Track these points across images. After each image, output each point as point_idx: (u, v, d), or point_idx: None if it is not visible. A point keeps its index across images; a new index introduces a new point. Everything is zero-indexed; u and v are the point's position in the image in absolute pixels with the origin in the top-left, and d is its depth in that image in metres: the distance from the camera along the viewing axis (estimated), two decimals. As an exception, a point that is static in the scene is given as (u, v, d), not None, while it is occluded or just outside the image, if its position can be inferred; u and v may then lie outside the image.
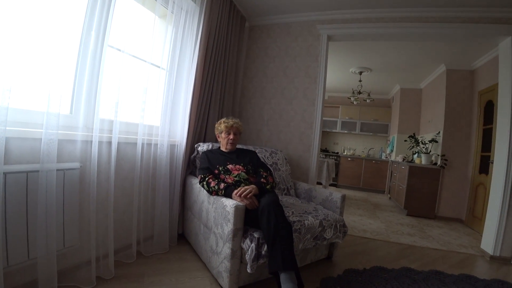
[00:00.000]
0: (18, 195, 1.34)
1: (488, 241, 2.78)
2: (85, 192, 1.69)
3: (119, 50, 1.83)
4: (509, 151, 2.63)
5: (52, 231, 1.42)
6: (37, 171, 1.38)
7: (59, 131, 1.46)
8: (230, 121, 2.27)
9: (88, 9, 1.67)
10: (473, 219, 3.99)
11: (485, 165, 3.83)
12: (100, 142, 1.73)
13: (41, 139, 1.39)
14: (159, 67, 2.27)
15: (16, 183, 1.33)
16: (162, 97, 2.29)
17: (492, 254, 2.70)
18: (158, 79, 2.25)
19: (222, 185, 1.87)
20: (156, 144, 2.21)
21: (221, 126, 2.29)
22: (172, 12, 2.31)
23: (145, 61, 2.07)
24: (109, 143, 1.81)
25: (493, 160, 2.96)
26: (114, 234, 1.86)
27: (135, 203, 2.03)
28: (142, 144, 2.06)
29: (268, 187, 2.00)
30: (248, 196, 1.77)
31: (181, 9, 2.36)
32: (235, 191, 1.81)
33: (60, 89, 1.48)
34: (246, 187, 1.83)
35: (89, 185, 1.68)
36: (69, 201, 1.58)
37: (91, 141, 1.68)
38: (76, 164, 1.63)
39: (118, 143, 1.87)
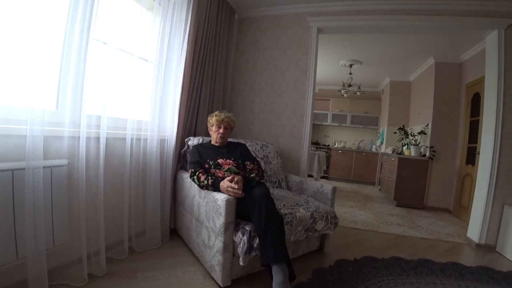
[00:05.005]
0: (4, 193, 1.31)
1: (474, 230, 2.87)
2: (74, 189, 1.66)
3: (105, 43, 1.79)
4: (494, 142, 2.70)
5: (40, 230, 1.39)
6: (23, 168, 1.35)
7: (44, 128, 1.42)
8: (222, 115, 2.25)
9: (72, 1, 1.61)
10: (460, 209, 4.10)
11: (471, 156, 3.92)
12: (88, 138, 1.70)
13: (26, 135, 1.35)
14: (147, 60, 2.23)
15: (2, 182, 1.29)
16: (151, 91, 2.26)
17: (477, 242, 2.79)
18: (146, 73, 2.21)
19: (210, 181, 1.87)
20: (145, 139, 2.18)
21: (212, 119, 2.27)
22: (160, 4, 2.26)
23: (133, 55, 2.03)
24: (97, 138, 1.78)
25: (479, 151, 3.03)
26: (105, 231, 1.84)
27: (126, 199, 2.01)
28: (131, 139, 2.03)
29: (252, 175, 2.00)
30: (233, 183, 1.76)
31: (169, 1, 2.31)
32: (222, 183, 1.80)
33: (45, 84, 1.44)
34: (230, 178, 1.81)
35: (77, 181, 1.65)
36: (57, 199, 1.55)
37: (79, 137, 1.64)
38: (63, 161, 1.59)
39: (107, 138, 1.84)
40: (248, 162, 2.15)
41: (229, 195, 1.73)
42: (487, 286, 1.95)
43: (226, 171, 2.03)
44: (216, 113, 2.30)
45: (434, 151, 4.50)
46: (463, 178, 4.11)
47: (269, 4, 3.30)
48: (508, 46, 2.68)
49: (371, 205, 4.56)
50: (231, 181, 1.78)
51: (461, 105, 4.39)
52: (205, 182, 1.88)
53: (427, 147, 4.66)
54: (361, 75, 6.03)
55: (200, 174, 1.95)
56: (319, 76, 5.58)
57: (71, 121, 1.66)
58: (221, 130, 2.23)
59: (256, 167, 2.11)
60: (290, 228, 1.83)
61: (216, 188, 1.83)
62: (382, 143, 6.65)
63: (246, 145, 2.48)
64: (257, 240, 1.62)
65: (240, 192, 1.73)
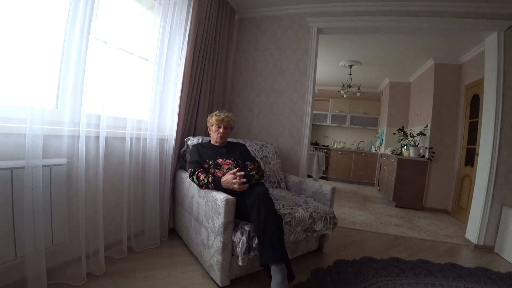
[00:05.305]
0: (3, 192, 1.30)
1: (473, 231, 2.87)
2: (73, 188, 1.66)
3: (105, 42, 1.79)
4: (493, 143, 2.71)
5: (39, 229, 1.39)
6: (23, 167, 1.34)
7: (44, 126, 1.42)
8: (222, 115, 2.26)
9: (72, 0, 1.61)
10: (458, 210, 4.10)
11: (470, 158, 3.93)
12: (87, 137, 1.70)
13: (25, 134, 1.35)
14: (147, 60, 2.23)
15: (1, 180, 1.29)
16: (151, 90, 2.26)
17: (476, 243, 2.80)
18: (146, 73, 2.21)
19: (211, 178, 1.87)
20: (145, 139, 2.18)
21: (212, 119, 2.28)
22: (160, 4, 2.26)
23: (133, 54, 2.03)
24: (97, 138, 1.78)
25: (478, 153, 3.04)
26: (104, 230, 1.83)
27: (125, 198, 2.01)
28: (131, 138, 2.03)
29: (252, 173, 2.01)
30: (237, 176, 1.80)
31: (169, 0, 2.31)
32: (224, 178, 1.83)
33: (45, 83, 1.44)
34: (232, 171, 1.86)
35: (77, 181, 1.65)
36: (56, 198, 1.55)
37: (78, 136, 1.64)
38: (63, 160, 1.59)
39: (106, 138, 1.84)
40: (249, 163, 2.15)
41: (233, 187, 1.76)
42: (485, 287, 1.95)
43: (225, 170, 2.03)
44: (216, 112, 2.30)
45: (433, 152, 4.51)
46: (462, 179, 4.11)
47: (269, 4, 3.30)
48: (508, 48, 2.69)
49: (370, 205, 4.57)
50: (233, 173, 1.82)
51: (461, 106, 4.39)
52: (205, 180, 1.88)
53: (426, 148, 4.66)
54: (361, 76, 6.03)
55: (200, 173, 1.95)
56: (318, 77, 5.59)
57: (71, 120, 1.66)
58: (221, 130, 2.23)
59: (256, 167, 2.12)
60: (289, 228, 1.83)
61: (217, 184, 1.83)
62: (381, 144, 6.65)
63: (246, 145, 2.48)
64: (256, 240, 1.63)
65: (244, 180, 1.78)
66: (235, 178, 1.79)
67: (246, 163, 2.16)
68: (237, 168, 1.87)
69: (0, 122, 1.36)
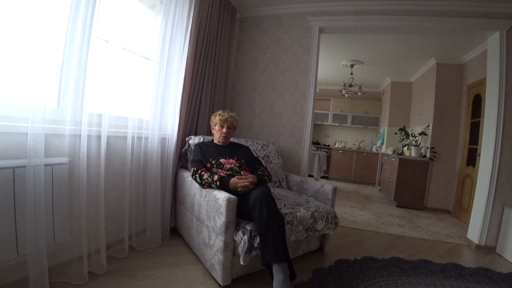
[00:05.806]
0: (5, 191, 1.30)
1: (474, 231, 2.87)
2: (75, 187, 1.66)
3: (107, 41, 1.79)
4: (495, 143, 2.70)
5: (41, 228, 1.39)
6: (24, 166, 1.35)
7: (46, 125, 1.42)
8: (226, 114, 2.27)
9: (74, -1, 1.62)
10: (460, 210, 4.10)
11: (472, 158, 3.92)
12: (89, 136, 1.70)
13: (27, 133, 1.35)
14: (148, 59, 2.23)
15: (2, 179, 1.29)
16: (152, 89, 2.25)
17: (477, 243, 2.79)
18: (147, 72, 2.21)
19: (216, 177, 1.87)
20: (146, 138, 2.18)
21: (216, 118, 2.28)
22: (161, 3, 2.26)
23: (134, 53, 2.02)
24: (98, 137, 1.78)
25: (480, 153, 3.03)
26: (106, 229, 1.83)
27: (127, 197, 2.01)
28: (132, 137, 2.03)
29: (266, 177, 2.07)
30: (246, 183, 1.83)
31: (171, -1, 2.31)
32: (233, 179, 1.84)
33: (46, 82, 1.43)
34: (247, 177, 1.89)
35: (78, 180, 1.65)
36: (58, 197, 1.55)
37: (80, 135, 1.64)
38: (64, 159, 1.59)
39: (108, 137, 1.84)
40: (261, 167, 2.17)
41: (240, 188, 1.79)
42: (486, 287, 1.95)
43: (227, 170, 2.02)
44: (219, 112, 2.31)
45: (434, 152, 4.50)
46: (464, 179, 4.11)
47: (270, 3, 3.29)
48: (510, 48, 2.68)
49: (371, 205, 4.56)
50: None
51: (462, 106, 4.38)
52: (209, 179, 1.87)
53: (427, 148, 4.65)
54: (362, 75, 6.02)
55: (203, 172, 1.94)
56: (320, 76, 5.58)
57: (72, 119, 1.66)
58: (224, 130, 2.23)
59: (266, 169, 2.17)
60: (290, 228, 1.83)
61: (223, 184, 1.83)
62: (382, 143, 6.65)
63: (247, 144, 2.48)
64: (258, 240, 1.62)
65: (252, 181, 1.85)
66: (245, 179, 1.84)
67: (256, 166, 2.16)
68: (250, 175, 1.93)
69: (2, 121, 1.36)
